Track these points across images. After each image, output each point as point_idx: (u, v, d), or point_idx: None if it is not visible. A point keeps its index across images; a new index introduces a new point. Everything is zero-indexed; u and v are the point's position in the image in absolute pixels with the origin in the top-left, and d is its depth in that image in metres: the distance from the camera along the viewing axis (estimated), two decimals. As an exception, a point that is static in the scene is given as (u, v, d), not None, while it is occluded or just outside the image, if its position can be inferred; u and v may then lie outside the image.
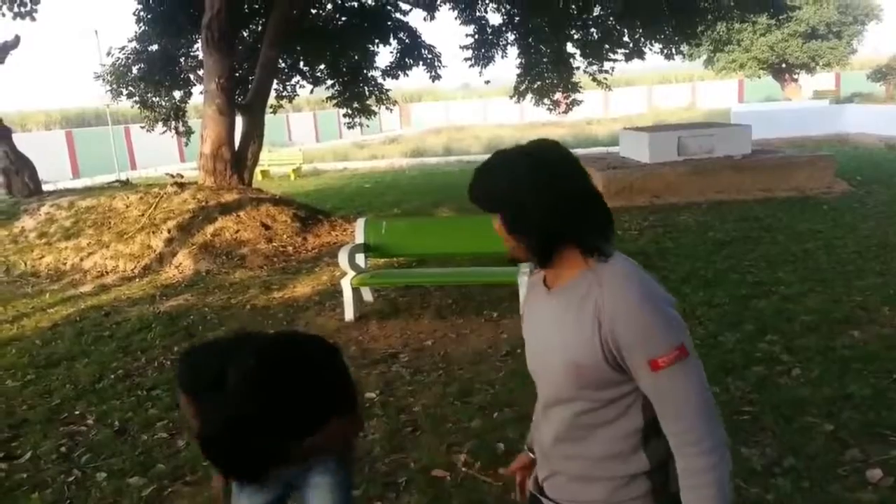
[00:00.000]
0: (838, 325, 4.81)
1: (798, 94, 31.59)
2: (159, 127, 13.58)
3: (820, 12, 28.88)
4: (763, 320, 5.03)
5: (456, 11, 13.40)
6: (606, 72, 14.12)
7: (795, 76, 32.47)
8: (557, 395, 1.44)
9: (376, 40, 13.28)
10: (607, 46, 13.74)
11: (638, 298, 1.31)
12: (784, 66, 31.52)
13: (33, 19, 11.13)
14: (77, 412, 4.45)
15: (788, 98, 30.88)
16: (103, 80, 12.78)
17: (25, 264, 8.60)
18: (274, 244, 8.65)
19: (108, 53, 12.75)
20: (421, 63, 13.53)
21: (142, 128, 14.27)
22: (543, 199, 1.35)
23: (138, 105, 13.16)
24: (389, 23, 13.29)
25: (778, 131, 17.88)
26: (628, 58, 13.83)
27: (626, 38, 13.64)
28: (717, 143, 11.25)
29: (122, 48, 12.64)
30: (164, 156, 25.52)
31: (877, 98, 25.27)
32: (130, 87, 12.72)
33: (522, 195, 1.36)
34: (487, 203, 1.43)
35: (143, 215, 9.12)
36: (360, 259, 6.18)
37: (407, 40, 13.51)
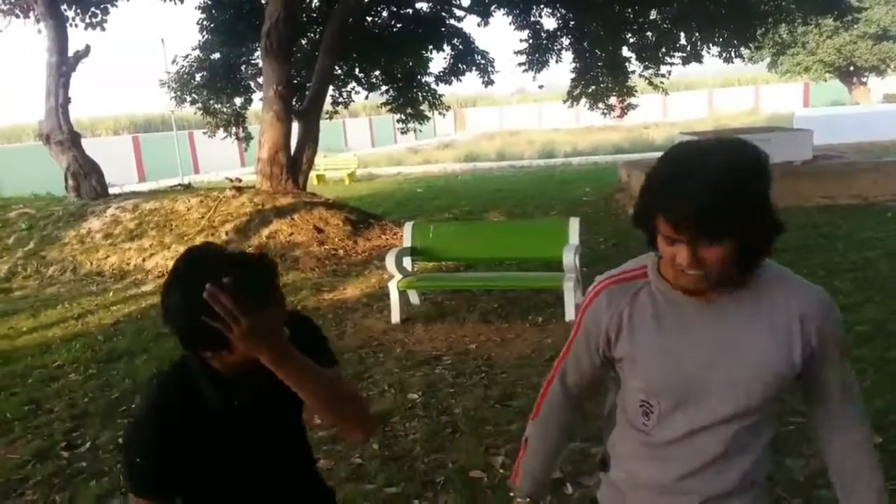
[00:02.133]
0: (895, 336, 4.66)
1: (867, 98, 30.45)
2: (220, 132, 14.03)
3: (892, 13, 27.79)
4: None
5: (510, 17, 13.44)
6: (663, 75, 13.92)
7: (864, 79, 31.30)
8: (732, 412, 1.35)
9: (430, 46, 13.43)
10: (663, 50, 13.56)
11: (820, 292, 1.35)
12: (852, 68, 30.43)
13: (103, 29, 11.67)
14: (134, 406, 4.65)
15: (856, 102, 29.78)
16: (168, 87, 13.29)
17: (91, 264, 9.00)
18: (326, 247, 8.84)
19: (173, 62, 13.26)
20: (474, 68, 13.61)
21: (204, 133, 14.77)
22: (772, 213, 1.25)
23: (201, 111, 13.63)
24: (444, 29, 13.43)
25: (843, 136, 17.29)
26: (685, 61, 13.63)
27: (682, 42, 13.44)
28: (776, 149, 10.89)
29: (186, 56, 13.12)
30: (226, 160, 26.27)
31: (952, 101, 24.15)
32: (194, 94, 13.20)
33: (758, 212, 1.22)
34: (722, 226, 1.19)
35: (202, 218, 9.44)
36: (407, 262, 6.27)
37: (460, 46, 13.62)
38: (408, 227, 6.42)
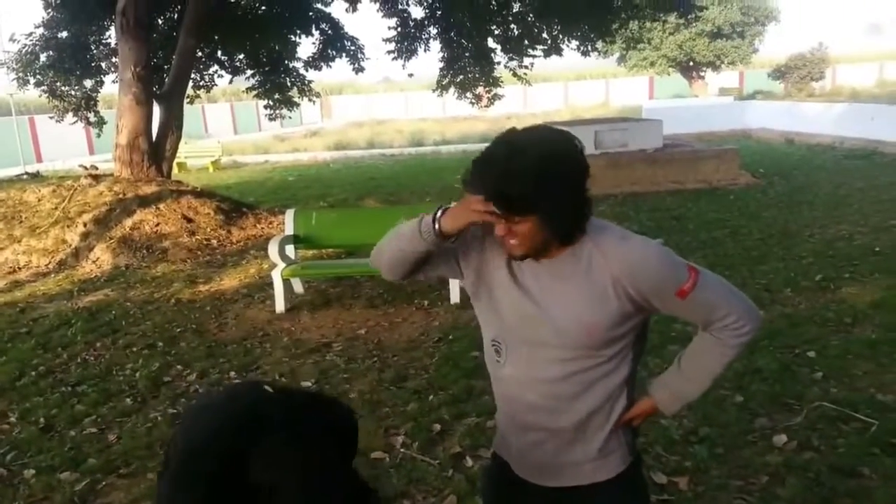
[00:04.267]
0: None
1: (705, 92, 33.08)
2: (69, 117, 13.00)
3: (724, 13, 30.31)
4: (678, 303, 5.33)
5: (378, 4, 13.40)
6: (526, 67, 14.43)
7: (702, 74, 33.99)
8: (556, 355, 1.51)
9: (298, 31, 13.12)
10: (527, 42, 14.04)
11: (641, 250, 1.48)
12: (692, 64, 32.94)
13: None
14: None
15: (696, 95, 32.30)
16: (8, 67, 12.12)
17: (-74, 261, 8.12)
18: (197, 237, 8.48)
19: (12, 39, 12.11)
20: (344, 55, 13.46)
21: (50, 118, 13.61)
22: (577, 195, 1.46)
23: (46, 94, 12.55)
24: (311, 13, 13.16)
25: (686, 126, 18.73)
26: (547, 54, 14.16)
27: (544, 35, 13.97)
28: (631, 138, 11.73)
29: (30, 35, 12.02)
30: (72, 147, 24.31)
31: (777, 95, 26.78)
32: (38, 76, 12.12)
33: (560, 194, 1.42)
34: (523, 205, 1.41)
35: (56, 209, 8.77)
36: (289, 250, 6.17)
37: (329, 31, 13.40)
38: (289, 215, 6.31)
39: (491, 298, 1.59)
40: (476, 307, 1.66)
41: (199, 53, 12.42)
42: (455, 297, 5.73)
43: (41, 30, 12.05)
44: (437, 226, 1.49)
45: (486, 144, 1.48)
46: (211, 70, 13.88)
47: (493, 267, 1.58)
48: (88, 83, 12.82)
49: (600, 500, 1.59)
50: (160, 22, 12.22)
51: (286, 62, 13.79)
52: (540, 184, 1.38)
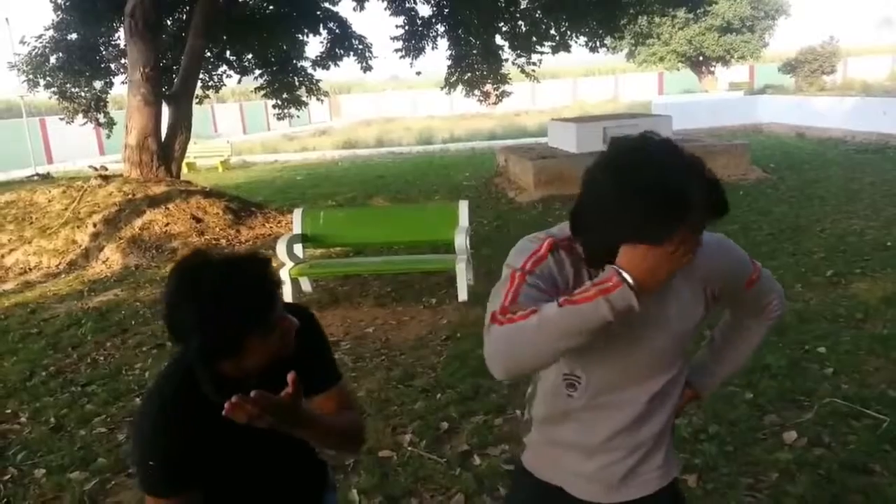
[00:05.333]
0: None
1: (714, 86, 32.90)
2: (79, 118, 13.09)
3: (734, 7, 30.14)
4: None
5: (385, 2, 13.39)
6: (534, 64, 14.39)
7: (712, 69, 33.80)
8: (646, 375, 1.45)
9: (305, 30, 13.15)
10: (535, 39, 14.00)
11: (723, 247, 1.48)
12: (701, 59, 32.77)
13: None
14: (8, 410, 4.33)
15: (705, 90, 32.12)
16: (19, 70, 12.22)
17: (-61, 262, 8.20)
18: (206, 237, 8.51)
19: (22, 42, 12.20)
20: (352, 54, 13.47)
21: (61, 119, 13.71)
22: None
23: (57, 96, 12.64)
24: (319, 12, 13.17)
25: (696, 122, 18.62)
26: (555, 50, 14.12)
27: (552, 31, 13.92)
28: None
29: (40, 37, 12.12)
30: (83, 149, 24.48)
31: (787, 89, 26.57)
32: (48, 77, 12.21)
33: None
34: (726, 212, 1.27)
35: (66, 209, 8.82)
36: (297, 249, 6.18)
37: (337, 30, 13.41)
38: (297, 214, 6.32)
39: None
40: None
41: (208, 54, 12.48)
42: (463, 295, 5.73)
43: (51, 32, 12.16)
44: (636, 295, 1.18)
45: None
46: (219, 70, 13.96)
47: None
48: (98, 84, 12.92)
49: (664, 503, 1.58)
50: (169, 23, 12.28)
51: (294, 62, 13.84)
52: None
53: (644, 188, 1.17)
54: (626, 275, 1.17)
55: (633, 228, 1.18)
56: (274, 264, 6.89)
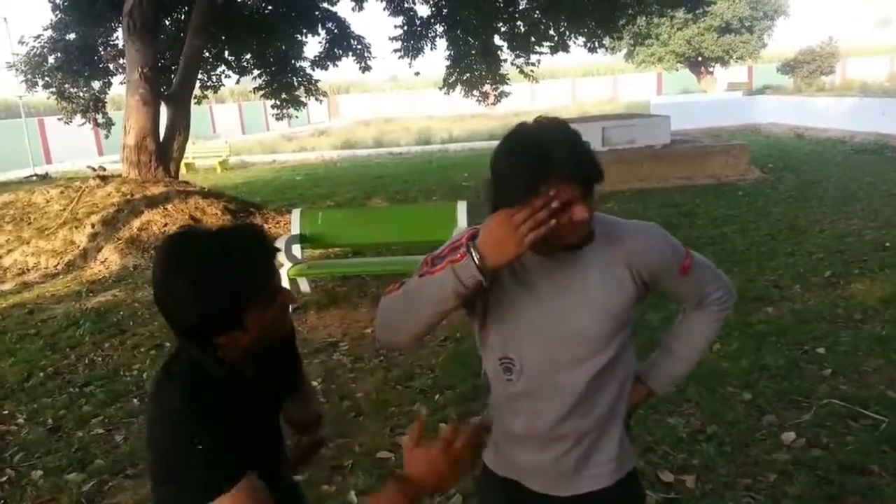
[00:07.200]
0: (754, 302, 5.14)
1: (713, 87, 32.94)
2: (78, 119, 13.08)
3: (733, 7, 30.18)
4: (685, 300, 5.30)
5: (384, 2, 13.39)
6: (533, 64, 14.38)
7: (711, 69, 33.83)
8: (575, 355, 1.47)
9: (304, 30, 13.14)
10: (533, 39, 13.99)
11: (649, 233, 1.51)
12: (700, 59, 32.81)
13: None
14: (6, 411, 4.32)
15: (704, 90, 32.15)
16: (17, 70, 12.21)
17: (-63, 263, 8.18)
18: (205, 237, 8.49)
19: (21, 42, 12.20)
20: (350, 54, 13.46)
21: (59, 119, 13.70)
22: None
23: (55, 96, 12.63)
24: (317, 13, 13.16)
25: (695, 122, 18.64)
26: (553, 51, 14.11)
27: (551, 32, 13.92)
28: (639, 134, 11.67)
29: (38, 37, 12.11)
30: (81, 149, 24.42)
31: (786, 90, 26.60)
32: (47, 78, 12.21)
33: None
34: (599, 175, 1.34)
35: (64, 210, 8.81)
36: (296, 250, 6.18)
37: (336, 30, 13.41)
38: (296, 214, 6.32)
39: (499, 314, 1.48)
40: (479, 337, 1.57)
41: (206, 54, 12.46)
42: (461, 295, 5.71)
43: (49, 32, 12.15)
44: (480, 270, 1.27)
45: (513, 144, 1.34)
46: (218, 70, 13.93)
47: (498, 283, 1.45)
48: (96, 85, 12.90)
49: (621, 498, 1.59)
50: (167, 23, 12.27)
51: (293, 62, 13.81)
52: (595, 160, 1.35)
53: (516, 149, 1.31)
54: (472, 248, 1.28)
55: (504, 186, 1.31)
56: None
